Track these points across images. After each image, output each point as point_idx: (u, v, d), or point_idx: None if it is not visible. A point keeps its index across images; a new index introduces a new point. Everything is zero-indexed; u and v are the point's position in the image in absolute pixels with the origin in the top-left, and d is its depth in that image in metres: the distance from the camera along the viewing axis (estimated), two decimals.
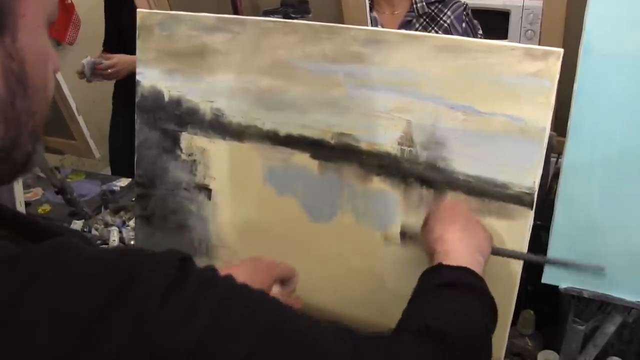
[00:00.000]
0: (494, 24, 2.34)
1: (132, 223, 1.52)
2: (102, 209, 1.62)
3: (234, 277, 0.49)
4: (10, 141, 0.48)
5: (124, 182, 1.78)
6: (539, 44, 0.80)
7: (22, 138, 0.49)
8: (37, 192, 1.74)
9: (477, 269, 0.68)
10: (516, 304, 0.89)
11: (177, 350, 0.41)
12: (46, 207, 1.66)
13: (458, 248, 0.70)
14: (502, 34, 2.37)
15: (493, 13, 2.39)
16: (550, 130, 0.98)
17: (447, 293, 0.64)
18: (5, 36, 0.45)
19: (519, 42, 1.92)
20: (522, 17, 2.32)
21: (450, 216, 0.77)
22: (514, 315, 0.98)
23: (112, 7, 2.09)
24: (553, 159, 1.09)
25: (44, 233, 0.48)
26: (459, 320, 0.61)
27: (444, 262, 0.68)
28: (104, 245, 1.45)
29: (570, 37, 0.84)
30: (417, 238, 0.86)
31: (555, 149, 1.01)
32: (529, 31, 2.30)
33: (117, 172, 2.02)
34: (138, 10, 1.02)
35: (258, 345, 0.45)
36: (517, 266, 0.83)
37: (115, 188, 1.75)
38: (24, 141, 0.49)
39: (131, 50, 2.05)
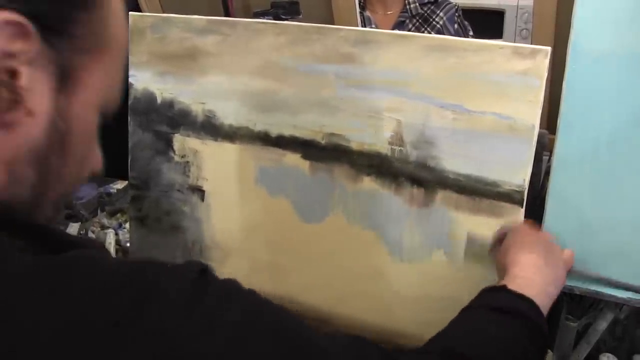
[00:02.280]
0: (489, 24, 2.34)
1: (128, 225, 1.52)
2: (99, 211, 1.62)
3: (257, 292, 0.48)
4: (34, 196, 0.47)
5: (120, 184, 1.78)
6: (531, 43, 0.81)
7: (45, 199, 0.48)
8: None
9: (544, 301, 0.64)
10: None
11: None
12: None
13: (531, 275, 0.66)
14: (497, 34, 2.37)
15: (488, 12, 2.39)
16: (543, 128, 0.98)
17: (496, 318, 0.61)
18: (62, 94, 0.46)
19: (514, 42, 1.93)
20: (516, 17, 2.33)
21: (530, 242, 0.73)
22: None
23: None
24: (545, 157, 1.10)
25: (64, 243, 0.47)
26: (493, 349, 0.58)
27: (509, 286, 0.64)
28: None
29: (561, 36, 0.84)
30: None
31: (547, 147, 1.01)
32: (524, 30, 2.31)
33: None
34: (130, 13, 1.02)
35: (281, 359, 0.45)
36: None
37: (111, 190, 1.75)
38: (45, 203, 0.49)
39: None
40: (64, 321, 0.39)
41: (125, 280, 0.42)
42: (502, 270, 0.71)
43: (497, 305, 0.62)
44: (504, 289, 0.64)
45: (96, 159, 0.53)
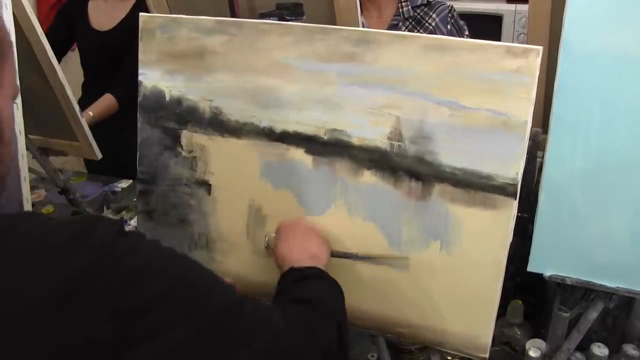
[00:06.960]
0: (488, 29, 2.38)
1: (133, 222, 1.56)
2: (104, 208, 1.66)
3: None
4: None
5: (125, 183, 1.82)
6: (526, 44, 0.85)
7: None
8: (40, 194, 1.78)
9: (314, 262, 0.86)
10: (505, 295, 0.93)
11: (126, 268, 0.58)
12: (50, 208, 1.70)
13: (295, 257, 0.87)
14: (496, 38, 2.40)
15: (486, 17, 2.43)
16: (538, 127, 1.02)
17: (303, 282, 0.82)
18: None
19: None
20: (514, 21, 2.37)
21: (287, 233, 0.93)
22: (503, 306, 1.02)
23: (66, 17, 2.01)
24: (539, 158, 1.13)
25: None
26: (317, 292, 0.80)
27: (294, 266, 0.85)
28: None
29: (556, 39, 0.88)
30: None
31: (541, 146, 1.05)
32: (522, 35, 2.35)
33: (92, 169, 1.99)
34: (140, 14, 1.06)
35: (178, 277, 0.63)
36: (502, 255, 0.86)
37: (116, 189, 1.79)
38: None
39: (88, 69, 1.98)
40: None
41: (75, 221, 0.61)
42: (278, 264, 0.90)
43: (298, 277, 0.83)
44: (291, 269, 0.84)
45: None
